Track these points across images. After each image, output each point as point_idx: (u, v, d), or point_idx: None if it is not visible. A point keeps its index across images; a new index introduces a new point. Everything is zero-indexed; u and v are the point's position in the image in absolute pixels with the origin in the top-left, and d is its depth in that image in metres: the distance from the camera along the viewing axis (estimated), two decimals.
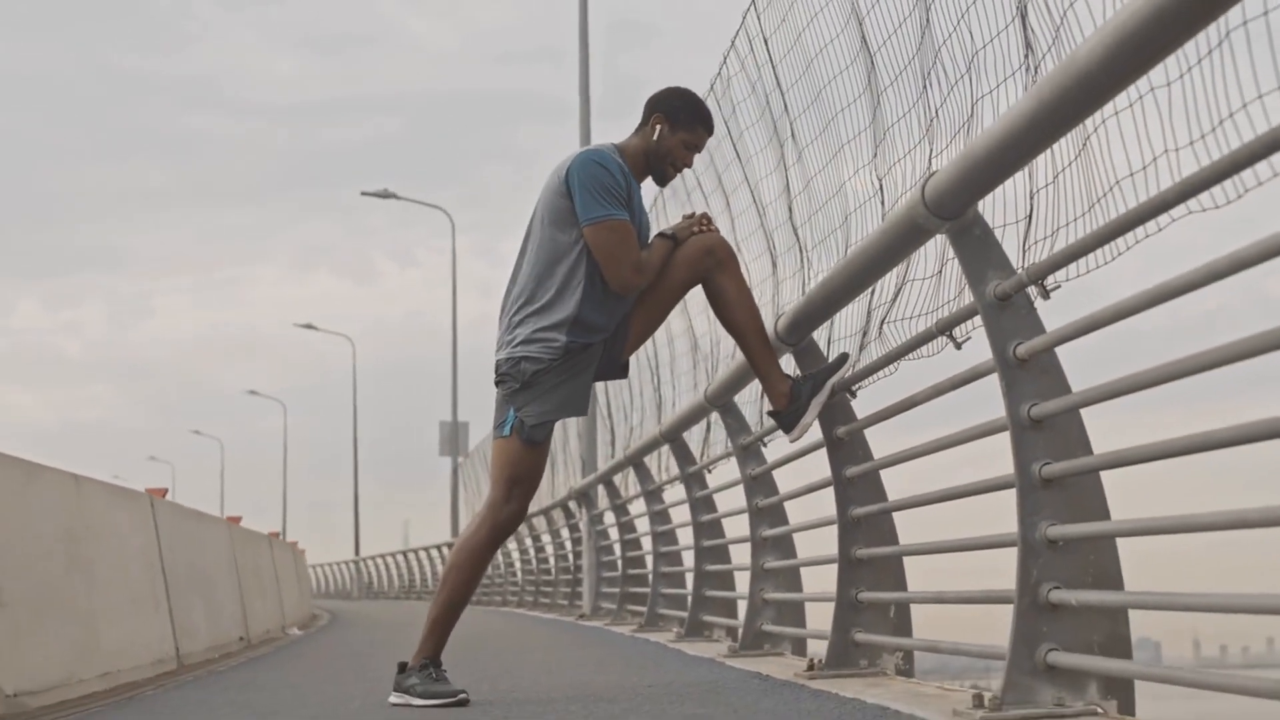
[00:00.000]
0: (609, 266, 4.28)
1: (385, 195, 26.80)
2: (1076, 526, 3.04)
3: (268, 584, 11.38)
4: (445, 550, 26.63)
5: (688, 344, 8.33)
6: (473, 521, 4.48)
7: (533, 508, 16.80)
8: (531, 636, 9.27)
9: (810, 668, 4.68)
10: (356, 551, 38.71)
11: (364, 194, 26.85)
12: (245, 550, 10.28)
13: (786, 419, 4.50)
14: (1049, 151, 2.93)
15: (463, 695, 4.25)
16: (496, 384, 4.40)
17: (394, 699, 4.36)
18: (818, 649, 5.97)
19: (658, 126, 4.45)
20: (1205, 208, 2.33)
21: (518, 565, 19.23)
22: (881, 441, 4.70)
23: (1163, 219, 2.46)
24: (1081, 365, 3.14)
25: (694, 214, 4.66)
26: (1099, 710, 3.00)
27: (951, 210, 3.16)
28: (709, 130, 4.57)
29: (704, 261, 4.46)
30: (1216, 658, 67.90)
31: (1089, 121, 2.65)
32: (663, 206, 8.02)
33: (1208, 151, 2.27)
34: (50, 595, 4.99)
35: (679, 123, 4.47)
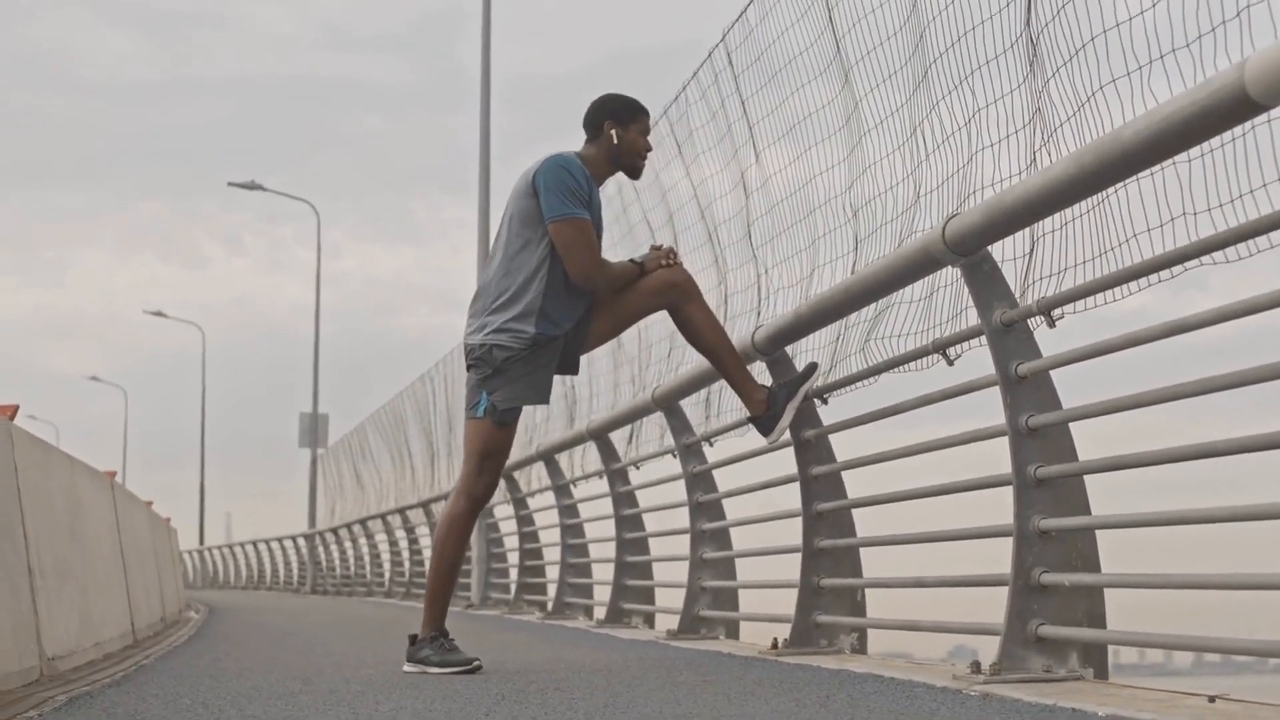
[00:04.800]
0: (569, 258, 4.74)
1: (252, 187, 26.73)
2: (1065, 520, 3.60)
3: (167, 565, 11.59)
4: (300, 541, 26.67)
5: (607, 346, 8.78)
6: (450, 498, 4.93)
7: (410, 500, 17.09)
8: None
9: (774, 646, 5.16)
10: (201, 541, 38.44)
11: (231, 184, 26.78)
12: (157, 532, 10.51)
13: (765, 423, 5.00)
14: None
15: (477, 663, 4.67)
16: (469, 368, 4.86)
17: (409, 668, 4.75)
18: (751, 633, 6.51)
19: (613, 130, 4.93)
20: (1217, 262, 2.89)
21: (385, 557, 19.42)
22: (840, 447, 5.26)
23: (1176, 269, 3.02)
24: (1070, 385, 3.71)
25: (661, 246, 5.15)
26: (1082, 676, 3.56)
27: (969, 249, 3.69)
28: (647, 113, 5.06)
29: (669, 294, 4.96)
30: None
31: None
32: None
33: (1224, 218, 2.83)
34: (64, 567, 5.29)
35: (626, 119, 4.95)
